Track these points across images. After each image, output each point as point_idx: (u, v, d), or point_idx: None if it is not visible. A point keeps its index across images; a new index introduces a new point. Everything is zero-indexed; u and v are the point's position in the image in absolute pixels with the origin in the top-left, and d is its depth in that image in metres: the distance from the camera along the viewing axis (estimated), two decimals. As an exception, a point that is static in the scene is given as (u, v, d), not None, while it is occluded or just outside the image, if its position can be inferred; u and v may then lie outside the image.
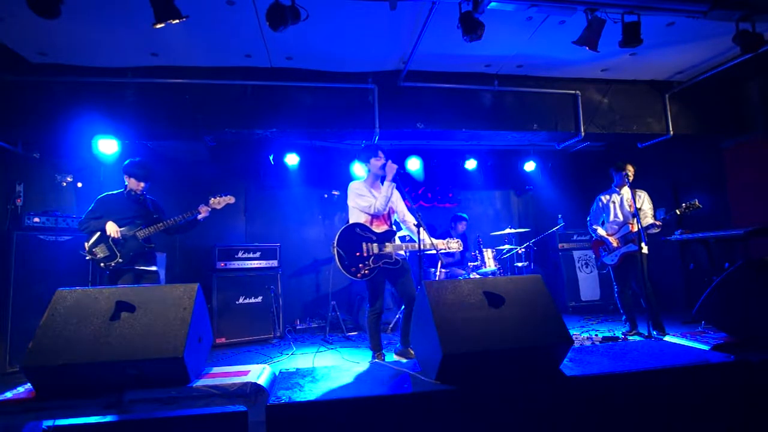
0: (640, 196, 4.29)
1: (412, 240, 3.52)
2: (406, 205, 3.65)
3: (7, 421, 1.57)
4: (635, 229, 4.10)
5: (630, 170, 4.27)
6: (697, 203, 3.94)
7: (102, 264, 3.32)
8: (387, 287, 3.45)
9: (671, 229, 4.44)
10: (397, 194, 3.61)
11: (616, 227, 4.33)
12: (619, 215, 4.31)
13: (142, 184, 3.45)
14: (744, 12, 3.41)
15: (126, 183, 3.50)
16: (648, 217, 4.21)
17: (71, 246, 4.16)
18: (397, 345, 3.60)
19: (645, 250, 4.14)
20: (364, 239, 3.28)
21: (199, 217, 3.54)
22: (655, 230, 4.10)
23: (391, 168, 3.31)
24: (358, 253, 3.23)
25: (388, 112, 4.66)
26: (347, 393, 1.79)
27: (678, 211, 3.98)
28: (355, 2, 3.29)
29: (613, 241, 4.28)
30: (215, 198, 3.58)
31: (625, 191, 4.32)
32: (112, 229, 3.29)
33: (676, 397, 1.93)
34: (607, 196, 4.42)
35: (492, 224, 6.68)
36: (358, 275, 3.20)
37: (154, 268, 3.50)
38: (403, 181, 3.41)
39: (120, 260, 3.30)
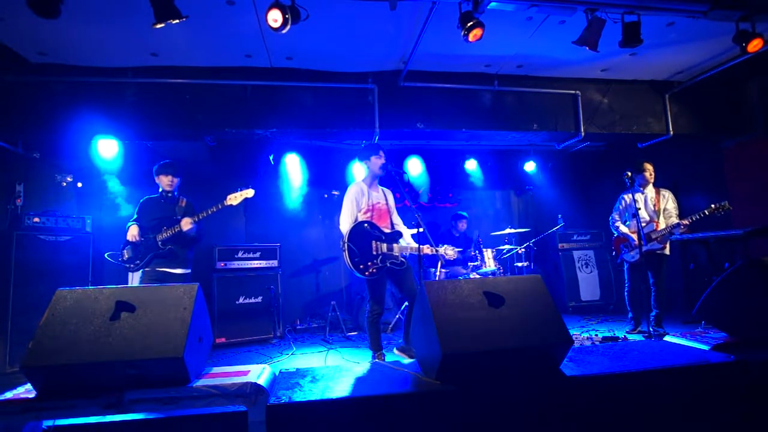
0: (664, 196, 4.26)
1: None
2: (406, 206, 3.65)
3: (7, 421, 1.57)
4: (660, 227, 4.10)
5: (649, 168, 4.26)
6: (727, 204, 3.79)
7: (126, 265, 3.43)
8: (387, 287, 3.45)
9: (701, 230, 4.32)
10: (391, 202, 3.61)
11: (642, 225, 4.30)
12: (644, 214, 4.24)
13: (170, 177, 3.47)
14: (744, 12, 3.41)
15: (159, 185, 3.54)
16: (673, 216, 4.17)
17: (71, 246, 4.17)
18: (399, 341, 3.57)
19: (667, 251, 4.13)
20: (374, 237, 3.28)
21: (185, 229, 3.41)
22: (681, 230, 4.01)
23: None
24: (369, 251, 3.23)
25: (388, 112, 4.66)
26: (347, 393, 1.79)
27: (707, 212, 3.87)
28: (355, 2, 3.29)
29: (636, 239, 4.23)
30: (233, 193, 3.52)
31: (649, 190, 4.30)
32: (130, 232, 3.40)
33: (676, 397, 1.93)
34: (631, 195, 4.31)
35: (492, 224, 6.67)
36: (366, 273, 3.18)
37: (178, 270, 3.47)
38: (402, 181, 3.41)
39: (138, 262, 3.41)
